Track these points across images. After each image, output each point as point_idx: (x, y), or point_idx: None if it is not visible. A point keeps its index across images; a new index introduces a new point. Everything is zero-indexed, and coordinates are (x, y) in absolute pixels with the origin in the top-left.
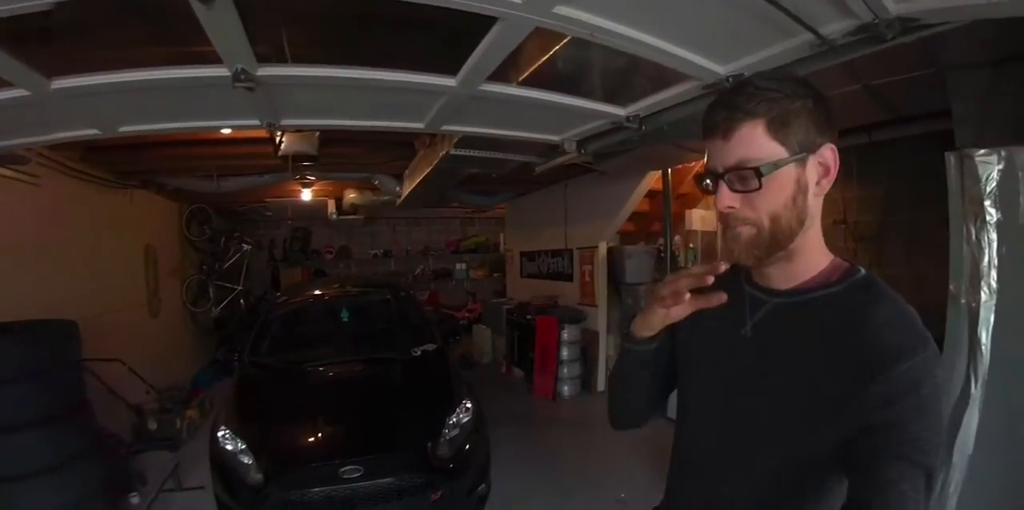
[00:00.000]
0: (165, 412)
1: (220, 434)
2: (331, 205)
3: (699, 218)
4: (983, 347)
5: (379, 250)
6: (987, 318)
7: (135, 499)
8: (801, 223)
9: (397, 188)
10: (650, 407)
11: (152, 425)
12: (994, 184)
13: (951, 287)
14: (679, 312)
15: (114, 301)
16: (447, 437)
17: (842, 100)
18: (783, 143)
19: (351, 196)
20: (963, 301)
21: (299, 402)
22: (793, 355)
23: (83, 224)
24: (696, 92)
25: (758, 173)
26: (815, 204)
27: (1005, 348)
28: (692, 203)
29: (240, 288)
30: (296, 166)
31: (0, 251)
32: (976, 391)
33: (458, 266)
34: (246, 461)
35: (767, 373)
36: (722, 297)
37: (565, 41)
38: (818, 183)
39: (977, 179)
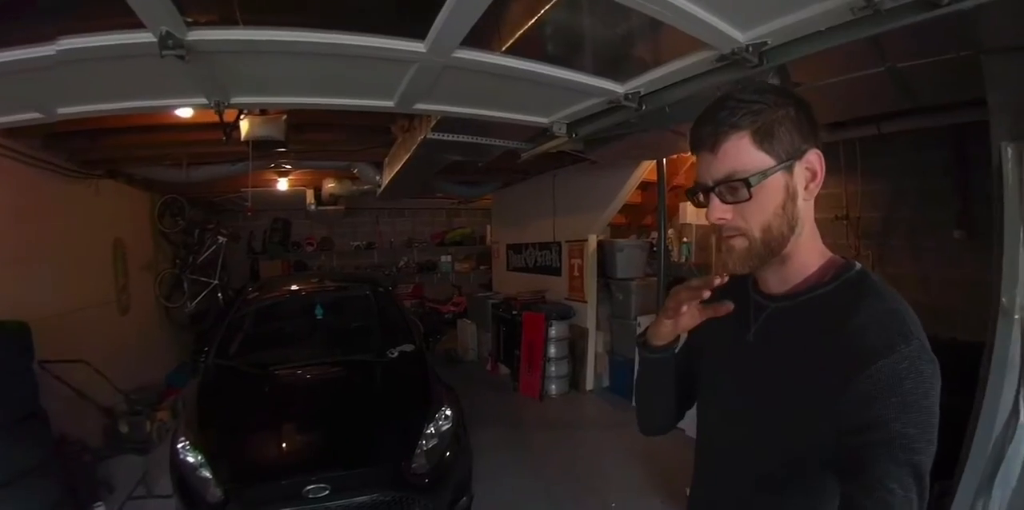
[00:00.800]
0: (135, 414)
1: (180, 445)
2: (310, 195)
3: (693, 211)
4: None
5: (361, 242)
6: None
7: (100, 508)
8: (792, 229)
9: (377, 177)
10: (676, 412)
11: (123, 428)
12: None
13: (1003, 299)
14: (687, 322)
15: (79, 298)
16: (424, 448)
17: (862, 83)
18: (769, 152)
19: (330, 186)
20: (1017, 316)
21: (265, 409)
22: (789, 358)
23: (44, 216)
24: (708, 65)
25: (747, 184)
26: (805, 208)
27: None
28: (686, 196)
29: (216, 282)
30: (265, 153)
31: None
32: None
33: (443, 258)
34: (205, 475)
35: (765, 377)
36: (728, 307)
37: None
38: (806, 188)
39: None
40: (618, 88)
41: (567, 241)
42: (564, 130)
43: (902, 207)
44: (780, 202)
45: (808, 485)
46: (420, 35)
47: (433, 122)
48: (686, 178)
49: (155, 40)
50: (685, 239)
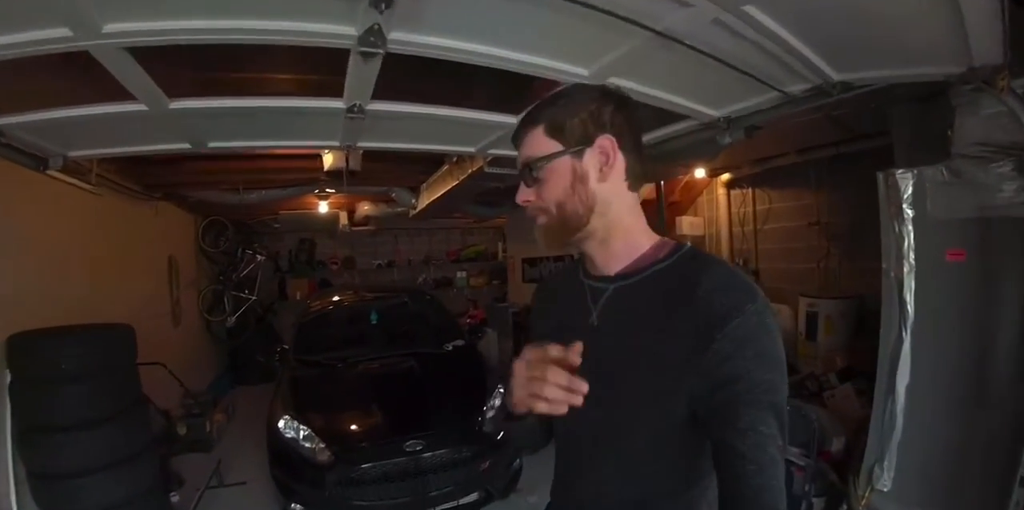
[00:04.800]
0: (194, 416)
1: (281, 424)
2: (343, 217)
3: (688, 224)
4: (908, 305)
5: (382, 260)
6: (909, 284)
7: (175, 498)
8: (589, 208)
9: (412, 200)
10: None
11: (181, 430)
12: (909, 192)
13: (883, 265)
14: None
15: (145, 309)
16: (488, 416)
17: (810, 125)
18: (560, 141)
19: (365, 208)
20: (892, 274)
21: (350, 391)
22: (635, 333)
23: (120, 234)
24: (693, 128)
25: (532, 167)
26: (606, 190)
27: (923, 302)
28: (681, 211)
29: (254, 298)
30: (335, 181)
31: (60, 257)
32: (906, 335)
33: (458, 274)
34: (311, 446)
35: (617, 357)
36: (576, 353)
37: None
38: (600, 170)
39: (898, 190)
40: None
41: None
42: None
43: (863, 211)
44: (569, 183)
45: (673, 466)
46: (516, 112)
47: (489, 158)
48: (680, 196)
49: (344, 107)
50: None
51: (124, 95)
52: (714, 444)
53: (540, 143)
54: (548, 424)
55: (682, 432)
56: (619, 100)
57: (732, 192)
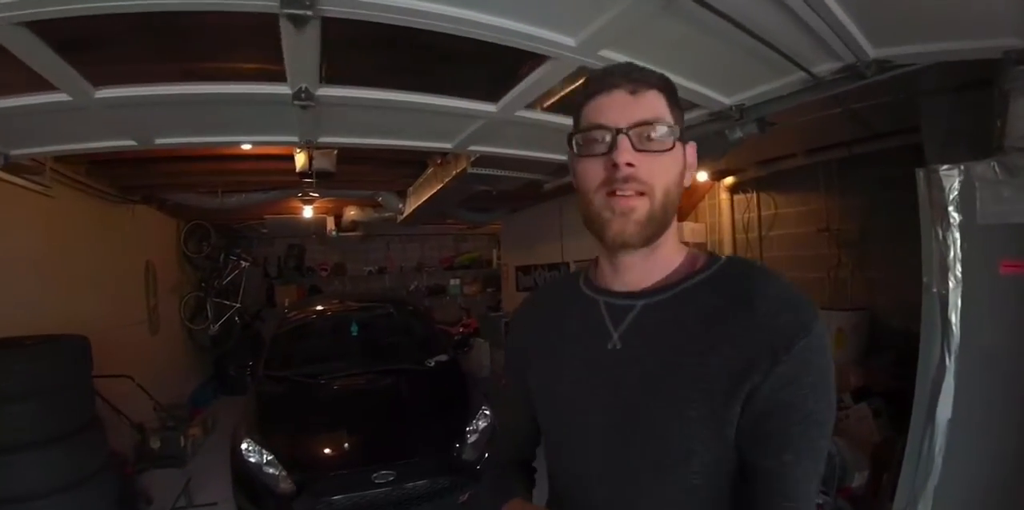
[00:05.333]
0: (168, 430)
1: (244, 446)
2: (330, 222)
3: (690, 230)
4: (953, 326)
5: (373, 267)
6: (955, 303)
7: None
8: (675, 206)
9: (400, 205)
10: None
11: (155, 444)
12: (955, 193)
13: (924, 279)
14: None
15: (117, 317)
16: (469, 442)
17: (824, 122)
18: (676, 121)
19: (351, 213)
20: (934, 290)
21: (320, 412)
22: (671, 356)
23: (89, 238)
24: (703, 119)
25: (656, 128)
26: (681, 193)
27: (971, 326)
28: (682, 216)
29: (238, 305)
30: (309, 182)
31: (13, 263)
32: (950, 363)
33: (452, 282)
34: (273, 472)
35: (646, 384)
36: None
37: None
38: (687, 171)
39: (942, 189)
40: None
41: (575, 261)
42: None
43: (876, 217)
44: (679, 170)
45: (729, 484)
46: (493, 99)
47: (474, 158)
48: (681, 201)
49: (290, 92)
50: None
51: (45, 85)
52: (749, 470)
53: (663, 108)
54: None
55: (735, 467)
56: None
57: (735, 197)
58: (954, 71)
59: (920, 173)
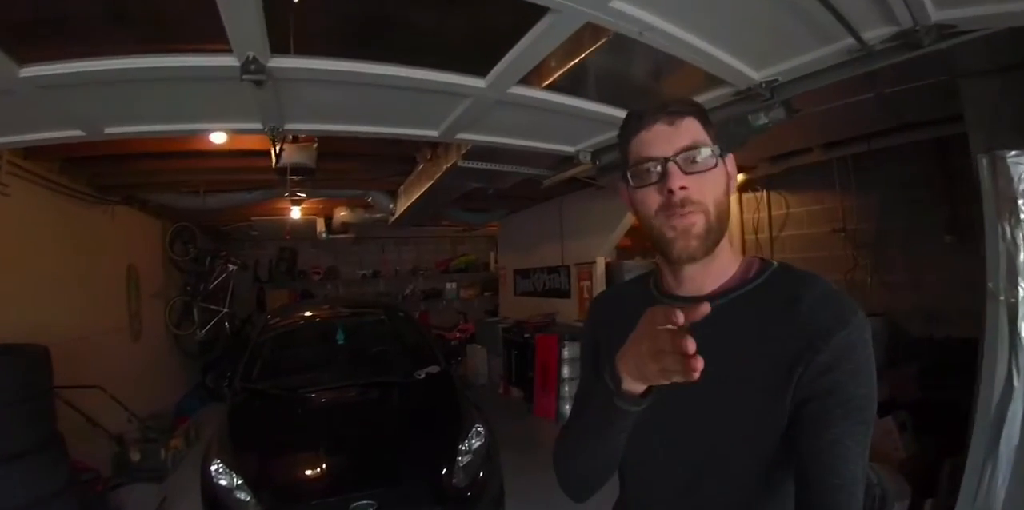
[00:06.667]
0: (148, 442)
1: (213, 468)
2: (321, 224)
3: None
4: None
5: (368, 270)
6: None
7: None
8: (727, 217)
9: (391, 205)
10: (613, 468)
11: (135, 456)
12: None
13: (989, 285)
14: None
15: (94, 324)
16: (461, 464)
17: (852, 109)
18: (714, 140)
19: (342, 214)
20: (1002, 298)
21: (299, 431)
22: (732, 356)
23: (61, 241)
24: (726, 99)
25: (700, 152)
26: (729, 204)
27: None
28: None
29: (226, 310)
30: (290, 180)
31: None
32: (1019, 384)
33: (448, 286)
34: (243, 498)
35: (712, 383)
36: (704, 310)
37: (598, 44)
38: (729, 183)
39: (1010, 179)
40: None
41: (576, 264)
42: (588, 158)
43: (894, 217)
44: (725, 184)
45: (786, 499)
46: (481, 73)
47: (464, 150)
48: None
49: (238, 64)
50: None
51: None
52: (798, 455)
53: (700, 132)
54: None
55: (782, 449)
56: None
57: (744, 196)
58: (1000, 50)
59: (983, 160)
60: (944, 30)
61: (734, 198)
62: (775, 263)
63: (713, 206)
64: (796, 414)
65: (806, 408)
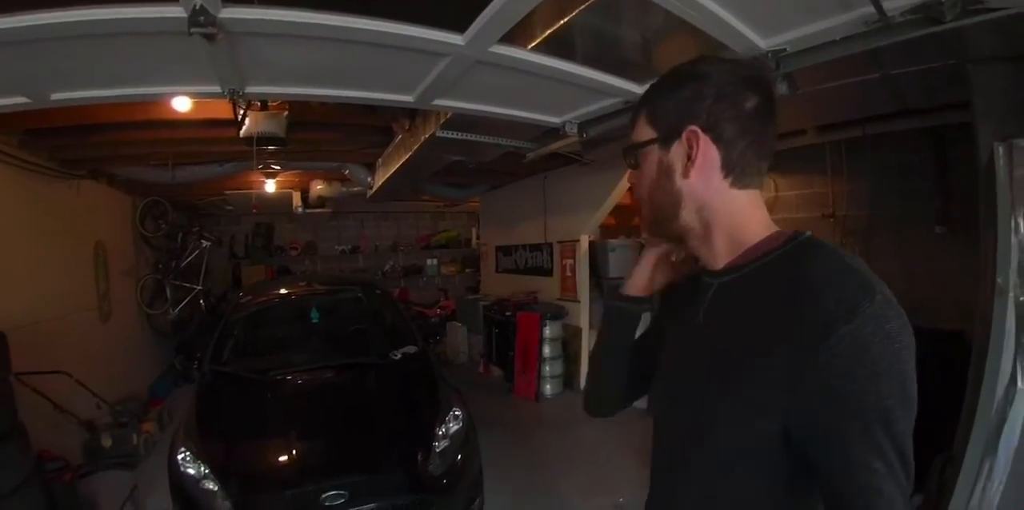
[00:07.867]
0: (119, 427)
1: (180, 456)
2: (296, 198)
3: None
4: None
5: (346, 246)
6: None
7: None
8: (675, 205)
9: (369, 179)
10: (628, 392)
11: (106, 442)
12: None
13: (998, 280)
14: (661, 277)
15: (59, 305)
16: (437, 450)
17: (854, 90)
18: (656, 129)
19: (318, 188)
20: (1011, 294)
21: (269, 416)
22: (735, 336)
23: (20, 218)
24: None
25: (627, 154)
26: (695, 187)
27: None
28: None
29: (200, 288)
30: (260, 151)
31: None
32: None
33: (429, 262)
34: (210, 487)
35: (713, 359)
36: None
37: (590, 2)
38: (684, 166)
39: None
40: (637, 88)
41: (559, 242)
42: (575, 130)
43: (885, 205)
44: (655, 176)
45: (753, 498)
46: (460, 28)
47: (443, 120)
48: None
49: (185, 15)
50: None
51: None
52: (821, 482)
53: (640, 128)
54: (627, 391)
55: (770, 461)
56: (715, 83)
57: None
58: (1012, 36)
59: (999, 149)
60: (970, 4)
61: None
62: (805, 233)
63: (647, 198)
64: (808, 432)
65: (817, 425)
